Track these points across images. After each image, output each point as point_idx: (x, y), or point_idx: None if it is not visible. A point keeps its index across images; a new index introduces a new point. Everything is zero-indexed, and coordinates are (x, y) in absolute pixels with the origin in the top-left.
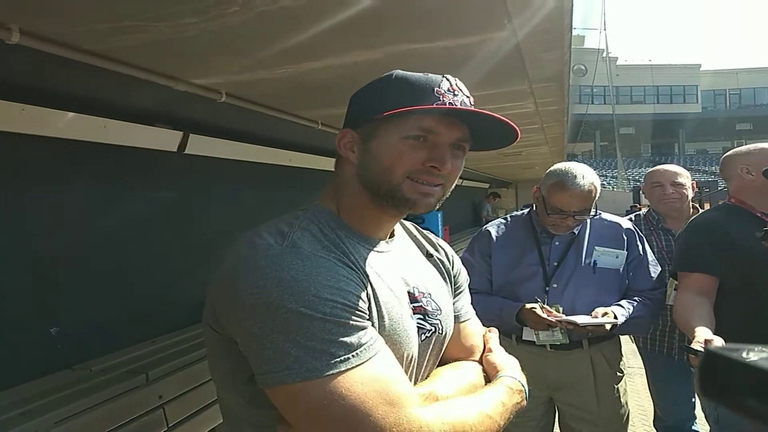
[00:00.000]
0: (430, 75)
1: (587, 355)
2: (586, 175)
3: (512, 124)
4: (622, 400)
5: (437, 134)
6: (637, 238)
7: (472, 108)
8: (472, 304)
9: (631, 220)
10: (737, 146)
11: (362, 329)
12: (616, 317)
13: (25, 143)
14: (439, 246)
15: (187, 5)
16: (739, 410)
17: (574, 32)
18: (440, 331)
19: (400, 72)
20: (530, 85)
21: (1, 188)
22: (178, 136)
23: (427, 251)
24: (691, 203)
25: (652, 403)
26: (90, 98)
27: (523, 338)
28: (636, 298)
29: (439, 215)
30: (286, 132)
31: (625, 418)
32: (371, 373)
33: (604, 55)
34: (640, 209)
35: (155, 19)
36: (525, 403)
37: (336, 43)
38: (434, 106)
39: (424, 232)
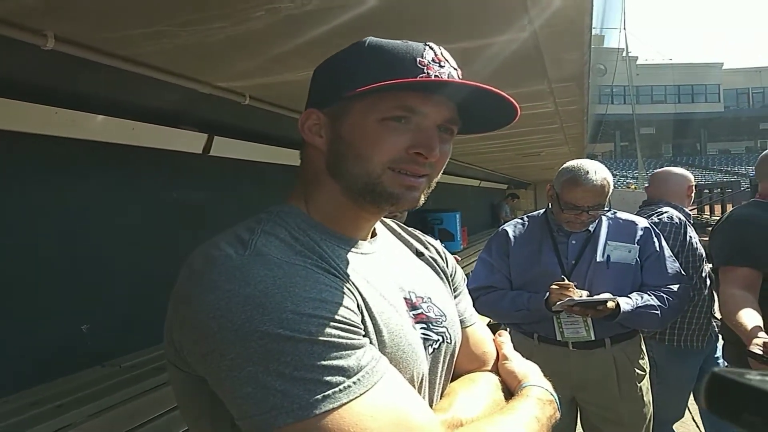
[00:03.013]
0: (410, 42)
1: (610, 355)
2: (598, 170)
3: (512, 100)
4: (645, 398)
5: (422, 115)
6: (653, 235)
7: (469, 81)
8: (492, 300)
9: (677, 218)
10: (761, 146)
11: (359, 348)
12: (618, 305)
13: (58, 145)
14: (429, 243)
15: (216, 11)
16: (738, 424)
17: (594, 32)
18: (449, 341)
19: (374, 39)
20: (550, 85)
21: (34, 188)
22: (203, 138)
23: (417, 249)
24: None
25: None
26: (120, 101)
27: (559, 339)
28: (648, 292)
29: (458, 216)
30: None
31: (648, 417)
32: (381, 402)
33: (624, 54)
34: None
35: (185, 24)
36: (558, 415)
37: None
38: (418, 79)
39: (408, 228)
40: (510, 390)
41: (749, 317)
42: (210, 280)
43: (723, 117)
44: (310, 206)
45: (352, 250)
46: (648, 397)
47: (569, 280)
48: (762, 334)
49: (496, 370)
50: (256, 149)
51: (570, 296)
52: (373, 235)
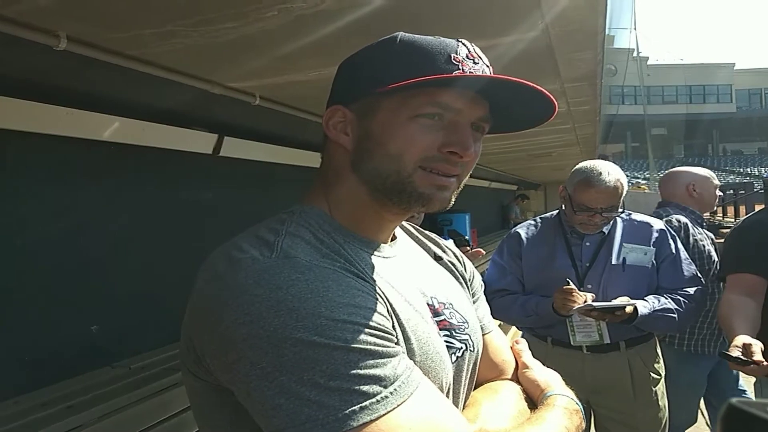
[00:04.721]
0: (442, 38)
1: (624, 358)
2: (611, 171)
3: (551, 97)
4: (660, 403)
5: (457, 112)
6: (669, 237)
7: (511, 77)
8: (504, 305)
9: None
10: None
11: (394, 356)
12: (636, 309)
13: (69, 145)
14: (447, 247)
15: (228, 10)
16: None
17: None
18: (471, 348)
19: (406, 34)
20: (562, 84)
21: (45, 188)
22: (214, 138)
23: (435, 254)
24: None
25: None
26: (130, 101)
27: (572, 344)
28: (665, 295)
29: (467, 217)
30: (319, 134)
31: (664, 421)
32: (418, 413)
33: (635, 54)
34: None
35: (197, 24)
36: (584, 425)
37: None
38: (457, 74)
39: (425, 231)
40: (532, 399)
41: (738, 321)
42: (236, 284)
43: (735, 117)
44: (331, 207)
45: (375, 253)
46: (663, 402)
47: (583, 283)
48: (743, 337)
49: (516, 378)
50: (267, 150)
51: (574, 301)
52: (393, 238)
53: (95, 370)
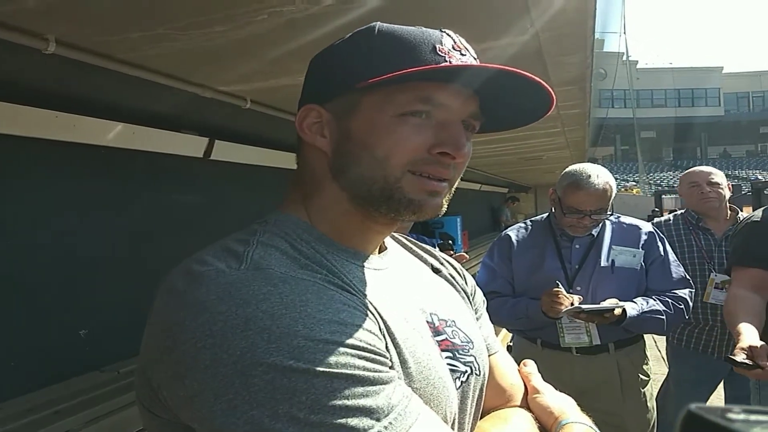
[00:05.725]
0: (424, 28)
1: (614, 360)
2: (600, 174)
3: (550, 89)
4: (648, 404)
5: (447, 108)
6: (657, 240)
7: (513, 68)
8: (494, 307)
9: (669, 220)
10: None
11: (388, 383)
12: (625, 310)
13: (58, 149)
14: (444, 259)
15: (218, 14)
16: None
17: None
18: (477, 372)
19: (384, 24)
20: (552, 88)
21: (34, 192)
22: (204, 142)
23: (433, 266)
24: (728, 204)
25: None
26: (120, 105)
27: (562, 346)
28: (654, 297)
29: (458, 220)
30: None
31: (652, 423)
32: None
33: (624, 58)
34: (661, 214)
35: (186, 27)
36: None
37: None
38: (449, 65)
39: (419, 243)
40: (545, 428)
41: (744, 320)
42: (197, 301)
43: (723, 121)
44: (311, 215)
45: (363, 265)
46: (651, 403)
47: (573, 285)
48: (748, 339)
49: (526, 405)
50: (257, 153)
51: (561, 303)
52: (382, 249)
53: (83, 375)
